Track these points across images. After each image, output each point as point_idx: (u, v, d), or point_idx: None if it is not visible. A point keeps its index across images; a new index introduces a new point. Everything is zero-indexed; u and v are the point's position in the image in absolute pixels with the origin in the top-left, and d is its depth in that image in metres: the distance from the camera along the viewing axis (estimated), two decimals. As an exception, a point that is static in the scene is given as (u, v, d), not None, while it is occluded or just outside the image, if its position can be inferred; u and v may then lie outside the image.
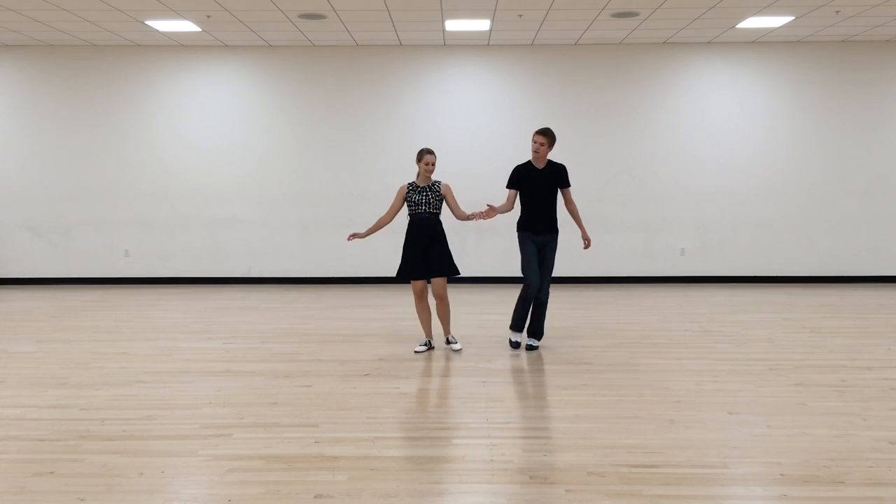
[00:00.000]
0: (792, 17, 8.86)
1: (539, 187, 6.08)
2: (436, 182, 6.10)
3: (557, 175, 6.14)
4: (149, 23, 8.94)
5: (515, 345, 6.32)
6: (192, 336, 6.99)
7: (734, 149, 10.44)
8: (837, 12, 8.60)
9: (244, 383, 5.25)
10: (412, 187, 6.09)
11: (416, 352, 6.17)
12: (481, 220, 6.07)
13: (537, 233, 6.09)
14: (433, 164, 6.04)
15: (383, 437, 4.13)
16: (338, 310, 8.47)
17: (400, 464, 3.71)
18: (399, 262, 6.16)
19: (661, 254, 10.57)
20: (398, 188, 6.23)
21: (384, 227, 6.21)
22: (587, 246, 6.29)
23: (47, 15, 8.58)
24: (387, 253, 10.23)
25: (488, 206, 6.09)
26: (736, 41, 10.21)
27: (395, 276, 6.21)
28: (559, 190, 6.17)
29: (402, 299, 8.93)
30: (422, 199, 6.03)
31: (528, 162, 6.17)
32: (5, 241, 10.63)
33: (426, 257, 6.01)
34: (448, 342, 6.32)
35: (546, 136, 6.04)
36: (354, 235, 6.19)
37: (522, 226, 6.16)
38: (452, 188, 6.24)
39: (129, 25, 9.09)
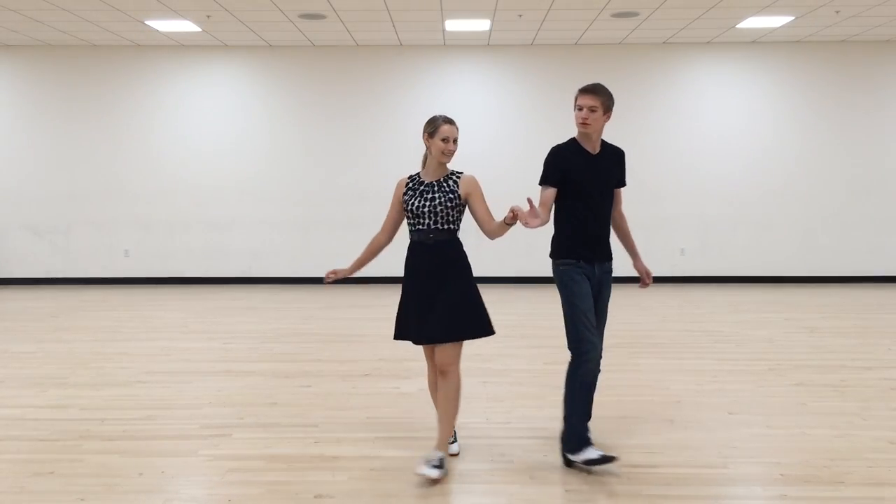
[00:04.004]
0: (792, 17, 8.86)
1: (592, 182, 3.70)
2: (452, 174, 3.68)
3: (617, 164, 3.83)
4: (149, 23, 8.94)
5: (605, 459, 3.61)
6: (192, 336, 6.98)
7: (734, 149, 10.44)
8: (837, 12, 8.60)
9: (244, 383, 5.25)
10: (413, 182, 3.74)
11: (432, 477, 3.50)
12: (528, 224, 3.37)
13: (590, 258, 3.74)
14: (455, 143, 3.63)
15: (383, 437, 4.13)
16: (338, 310, 8.47)
17: (400, 464, 3.71)
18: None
19: (661, 254, 10.57)
20: (397, 183, 3.84)
21: (379, 254, 3.97)
22: (647, 283, 4.05)
23: (47, 15, 8.58)
24: (387, 252, 10.23)
25: (529, 199, 3.41)
26: (736, 41, 10.21)
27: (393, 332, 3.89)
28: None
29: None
30: (424, 203, 3.65)
31: (573, 140, 3.77)
32: (5, 241, 10.63)
33: (427, 308, 3.65)
34: (438, 465, 3.53)
35: (599, 96, 3.62)
36: (334, 273, 3.88)
37: (564, 249, 3.75)
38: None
39: (129, 25, 9.09)
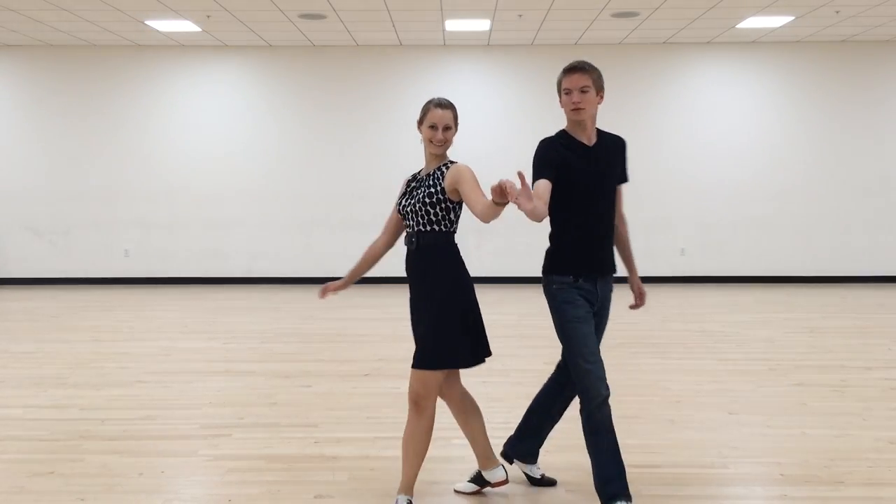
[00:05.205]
0: (792, 17, 8.86)
1: (589, 179, 3.11)
2: (444, 165, 3.18)
3: (617, 156, 3.23)
4: (149, 23, 8.94)
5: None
6: (192, 336, 6.98)
7: (734, 148, 10.44)
8: (837, 12, 8.60)
9: (244, 383, 5.25)
10: (413, 179, 3.29)
11: None
12: (520, 205, 2.63)
13: (589, 275, 3.13)
14: (445, 131, 3.14)
15: (383, 437, 4.13)
16: (338, 310, 8.47)
17: (400, 464, 3.70)
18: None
19: (661, 254, 10.57)
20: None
21: (378, 260, 3.39)
22: (639, 304, 3.47)
23: (47, 15, 8.58)
24: (388, 252, 10.25)
25: (519, 173, 2.62)
26: (736, 41, 10.21)
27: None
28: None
29: (402, 298, 8.93)
30: (409, 202, 3.18)
31: (563, 132, 3.24)
32: (5, 241, 10.63)
33: (413, 324, 3.21)
34: None
35: (589, 74, 3.17)
36: (327, 289, 3.36)
37: (559, 263, 3.15)
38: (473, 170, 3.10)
39: (129, 25, 9.09)
